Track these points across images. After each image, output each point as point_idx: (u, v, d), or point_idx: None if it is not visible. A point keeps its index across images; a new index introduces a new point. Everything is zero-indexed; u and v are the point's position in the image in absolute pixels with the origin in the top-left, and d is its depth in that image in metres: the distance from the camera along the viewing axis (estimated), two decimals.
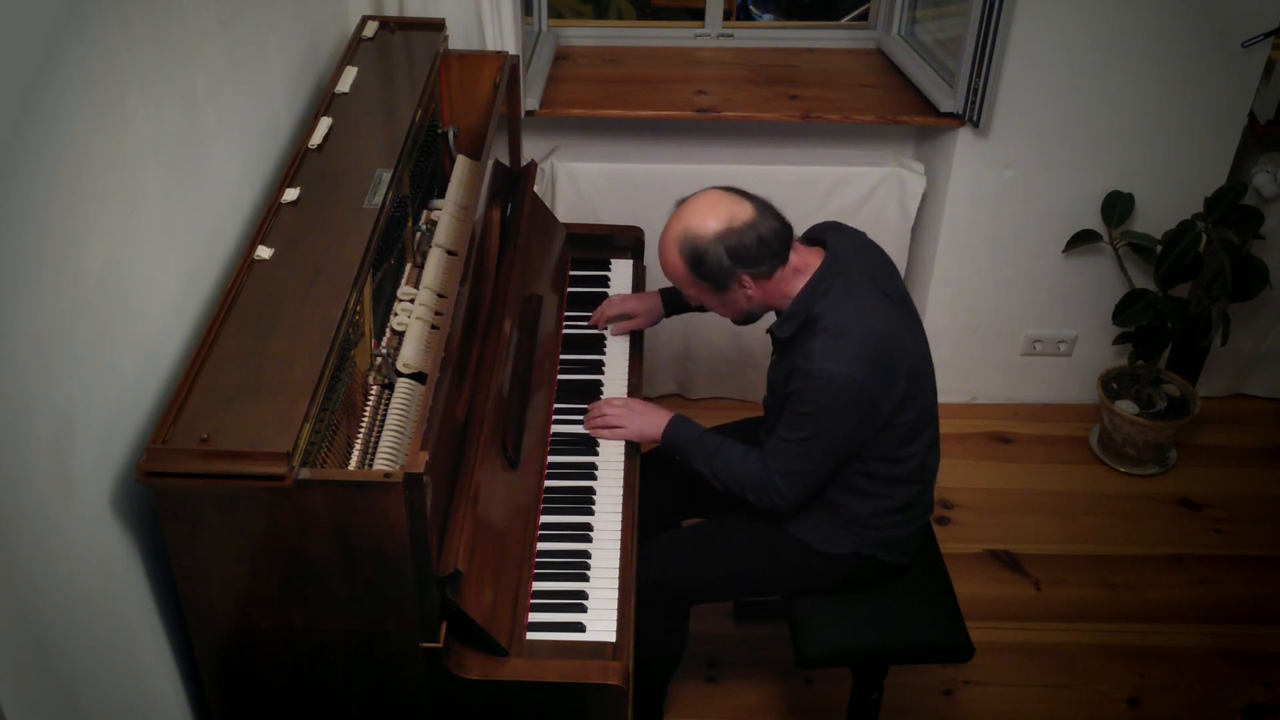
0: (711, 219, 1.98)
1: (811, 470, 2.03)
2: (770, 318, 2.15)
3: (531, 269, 2.37)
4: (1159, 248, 3.05)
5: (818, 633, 2.18)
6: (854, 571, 2.19)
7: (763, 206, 2.01)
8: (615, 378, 2.40)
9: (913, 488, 2.13)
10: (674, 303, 2.48)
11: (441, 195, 2.29)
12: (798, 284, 2.03)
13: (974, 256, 3.22)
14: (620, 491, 2.14)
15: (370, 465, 1.72)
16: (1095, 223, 3.15)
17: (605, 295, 2.60)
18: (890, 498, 2.11)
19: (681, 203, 2.06)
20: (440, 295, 2.00)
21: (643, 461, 2.26)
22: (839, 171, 3.05)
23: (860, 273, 2.03)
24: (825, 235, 2.09)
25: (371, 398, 1.85)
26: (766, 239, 1.97)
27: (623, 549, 2.03)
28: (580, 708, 1.76)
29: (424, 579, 1.59)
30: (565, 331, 2.51)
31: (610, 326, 2.51)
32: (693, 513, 2.46)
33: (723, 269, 1.98)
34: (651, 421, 2.21)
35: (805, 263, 2.04)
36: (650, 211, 3.01)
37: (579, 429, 2.26)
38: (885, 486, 2.10)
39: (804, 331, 2.01)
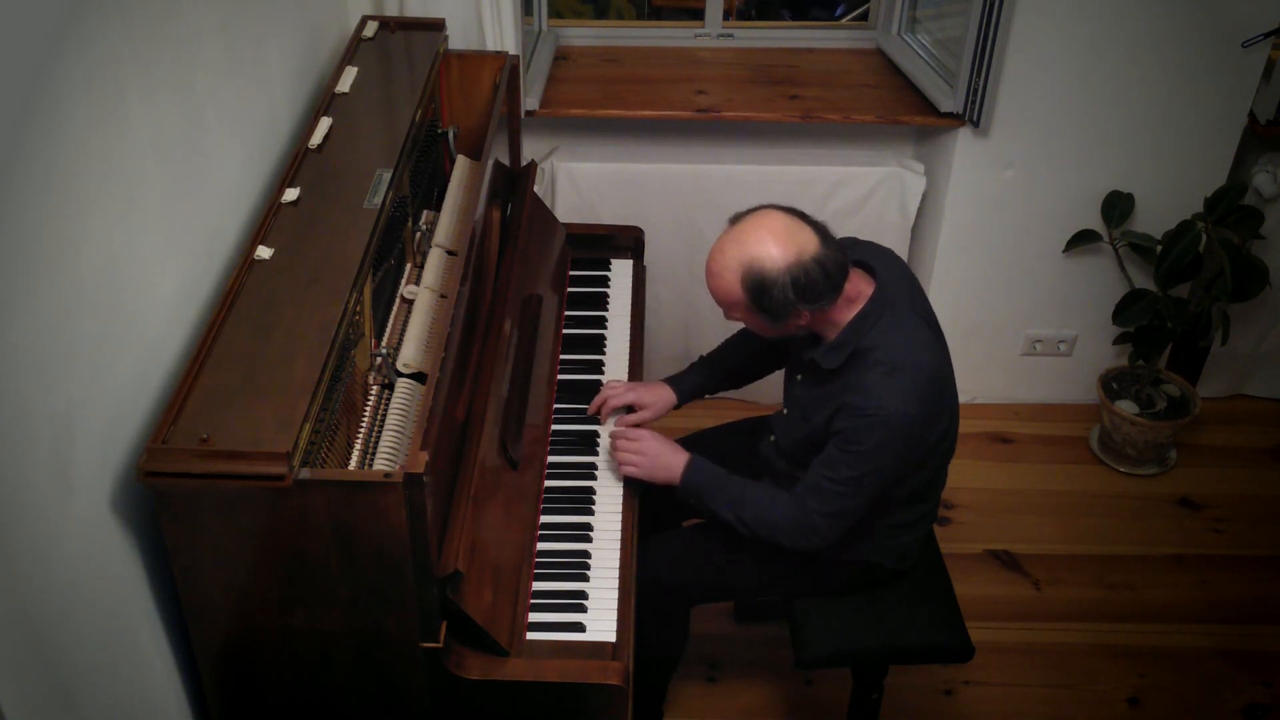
0: (777, 248, 1.84)
1: (858, 508, 1.98)
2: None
3: (531, 269, 2.37)
4: (1159, 248, 3.05)
5: (818, 633, 2.17)
6: (856, 576, 2.19)
7: (824, 234, 1.89)
8: (615, 378, 2.40)
9: (926, 504, 2.14)
10: (687, 392, 2.35)
11: (441, 195, 2.29)
12: (848, 313, 1.95)
13: (974, 256, 3.22)
14: (620, 491, 2.14)
15: (370, 465, 1.72)
16: (1095, 223, 3.15)
17: (605, 295, 2.59)
18: (904, 513, 2.11)
19: (737, 221, 1.91)
20: (441, 295, 2.00)
21: None
22: (839, 171, 3.05)
23: (904, 301, 1.99)
24: (867, 259, 2.02)
25: (371, 398, 1.85)
26: (831, 273, 1.86)
27: (623, 549, 2.03)
28: (580, 708, 1.76)
29: (424, 579, 1.59)
30: (565, 331, 2.51)
31: (613, 419, 2.28)
32: (693, 513, 2.45)
33: (786, 303, 1.86)
34: (666, 466, 2.12)
35: (857, 291, 1.96)
36: (650, 211, 3.03)
37: (579, 428, 2.26)
38: (901, 506, 2.09)
39: (854, 364, 1.94)
